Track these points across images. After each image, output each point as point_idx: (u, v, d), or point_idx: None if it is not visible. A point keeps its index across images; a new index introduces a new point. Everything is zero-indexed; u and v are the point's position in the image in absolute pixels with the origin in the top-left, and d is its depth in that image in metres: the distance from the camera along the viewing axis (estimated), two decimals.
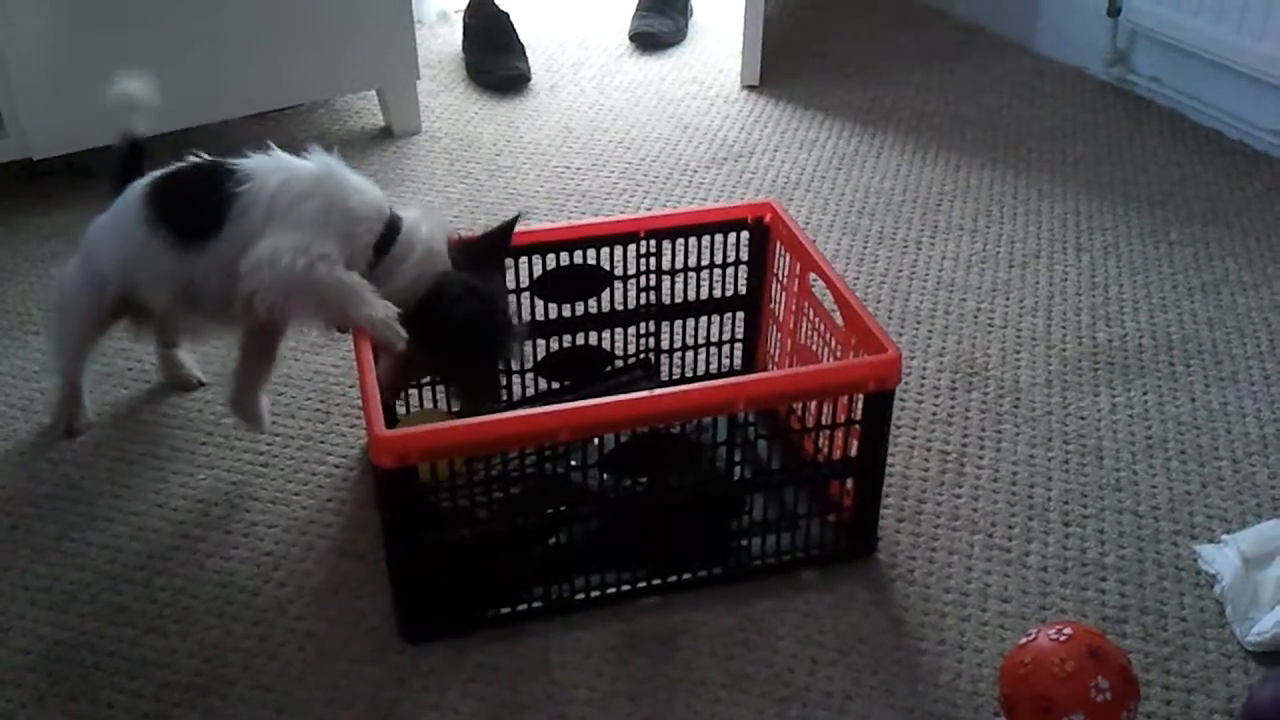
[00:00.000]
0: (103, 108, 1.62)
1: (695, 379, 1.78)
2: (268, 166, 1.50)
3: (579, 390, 1.72)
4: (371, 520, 1.57)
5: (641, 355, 1.76)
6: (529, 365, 1.72)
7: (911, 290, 2.05)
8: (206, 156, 1.56)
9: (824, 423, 1.43)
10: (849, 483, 1.47)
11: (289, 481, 1.65)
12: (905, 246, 2.17)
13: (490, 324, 1.51)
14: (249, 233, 1.46)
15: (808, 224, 2.23)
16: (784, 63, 2.78)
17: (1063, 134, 2.54)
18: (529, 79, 2.74)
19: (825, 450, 1.46)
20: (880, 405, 1.39)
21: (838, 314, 1.51)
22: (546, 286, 1.66)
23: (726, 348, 1.79)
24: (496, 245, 1.57)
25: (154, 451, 1.70)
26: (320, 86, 2.43)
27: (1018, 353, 1.91)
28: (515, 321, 1.56)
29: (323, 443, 1.72)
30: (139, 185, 1.56)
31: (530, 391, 1.75)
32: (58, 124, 2.14)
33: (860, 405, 1.41)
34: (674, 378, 1.78)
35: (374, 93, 2.56)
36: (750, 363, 1.79)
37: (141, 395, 1.81)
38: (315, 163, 1.52)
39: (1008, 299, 2.03)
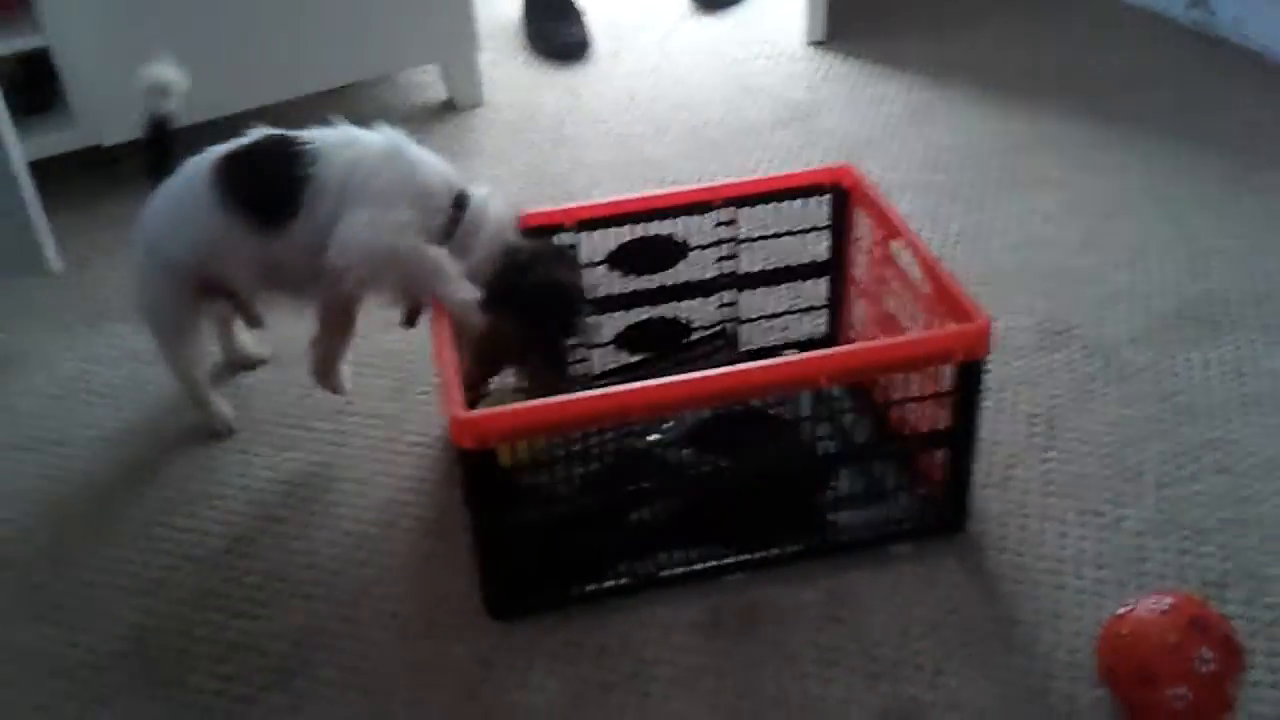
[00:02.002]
0: (139, 92, 1.59)
1: (776, 349, 1.75)
2: (336, 143, 1.49)
3: (658, 362, 1.70)
4: (453, 498, 1.56)
5: (721, 325, 1.73)
6: (607, 339, 1.69)
7: (992, 247, 2.00)
8: (270, 130, 1.54)
9: (912, 394, 1.39)
10: (939, 454, 1.43)
11: (369, 461, 1.65)
12: (983, 203, 2.11)
13: (561, 289, 1.50)
14: (327, 211, 1.45)
15: (880, 183, 2.15)
16: (849, 17, 2.72)
17: (1142, 80, 2.47)
18: (590, 45, 2.70)
19: (914, 422, 1.42)
20: (970, 375, 1.35)
21: (924, 281, 1.47)
22: (622, 259, 1.63)
23: (808, 315, 1.76)
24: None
25: (236, 434, 1.70)
26: (381, 62, 2.41)
27: (1105, 309, 1.85)
28: (586, 291, 1.54)
29: (401, 420, 1.71)
30: (203, 164, 1.52)
31: (610, 365, 1.72)
32: (126, 110, 2.12)
33: (950, 375, 1.37)
34: (755, 348, 1.75)
35: (435, 66, 2.53)
36: (833, 330, 1.75)
37: (220, 379, 1.81)
38: (383, 137, 1.50)
39: (1093, 254, 1.97)
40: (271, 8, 2.20)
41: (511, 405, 1.37)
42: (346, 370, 1.70)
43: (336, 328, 1.64)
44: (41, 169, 2.04)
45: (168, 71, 1.58)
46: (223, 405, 1.71)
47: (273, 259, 1.50)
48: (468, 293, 1.44)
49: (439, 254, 1.45)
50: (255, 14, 2.19)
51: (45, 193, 2.02)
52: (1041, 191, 2.13)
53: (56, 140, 2.11)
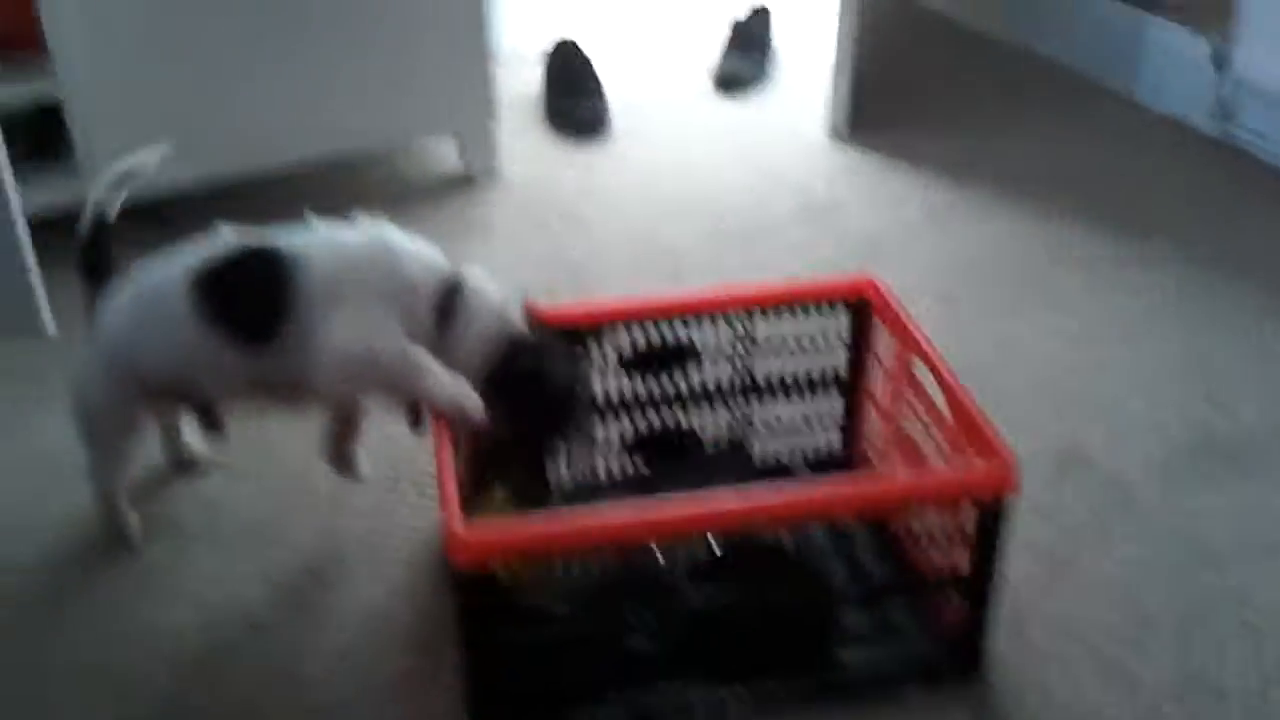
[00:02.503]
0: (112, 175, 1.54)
1: (789, 466, 1.69)
2: (317, 246, 1.44)
3: (668, 475, 1.64)
4: (442, 606, 1.49)
5: (733, 436, 1.67)
6: (616, 447, 1.64)
7: (1010, 364, 1.95)
8: (235, 233, 1.48)
9: (931, 531, 1.33)
10: (955, 596, 1.37)
11: (358, 561, 1.58)
12: (1002, 316, 2.07)
13: (555, 388, 1.44)
14: (310, 320, 1.40)
15: (898, 287, 2.11)
16: (872, 109, 2.68)
17: (1166, 193, 2.43)
18: (608, 122, 2.67)
19: (931, 560, 1.36)
20: (993, 516, 1.30)
21: (947, 408, 1.42)
22: (632, 361, 1.58)
23: (822, 430, 1.70)
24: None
25: (216, 524, 1.64)
26: (396, 131, 2.37)
27: (1123, 439, 1.80)
28: (586, 393, 1.50)
29: (392, 515, 1.65)
30: (173, 274, 1.45)
31: (616, 474, 1.66)
32: None
33: (971, 514, 1.31)
34: (767, 463, 1.69)
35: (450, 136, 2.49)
36: (848, 447, 1.69)
37: (165, 481, 1.73)
38: (363, 233, 1.46)
39: (1114, 379, 1.92)
40: (287, 69, 2.16)
41: (511, 522, 1.31)
42: (362, 455, 1.65)
43: (344, 419, 1.59)
44: (42, 223, 1.98)
45: (146, 159, 1.54)
46: (134, 520, 1.61)
47: (258, 372, 1.44)
48: (455, 388, 1.38)
49: (418, 352, 1.39)
50: (269, 75, 2.15)
51: (43, 248, 1.96)
52: (1061, 306, 2.09)
53: (61, 193, 2.05)
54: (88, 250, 1.53)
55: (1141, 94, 2.75)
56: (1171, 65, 2.68)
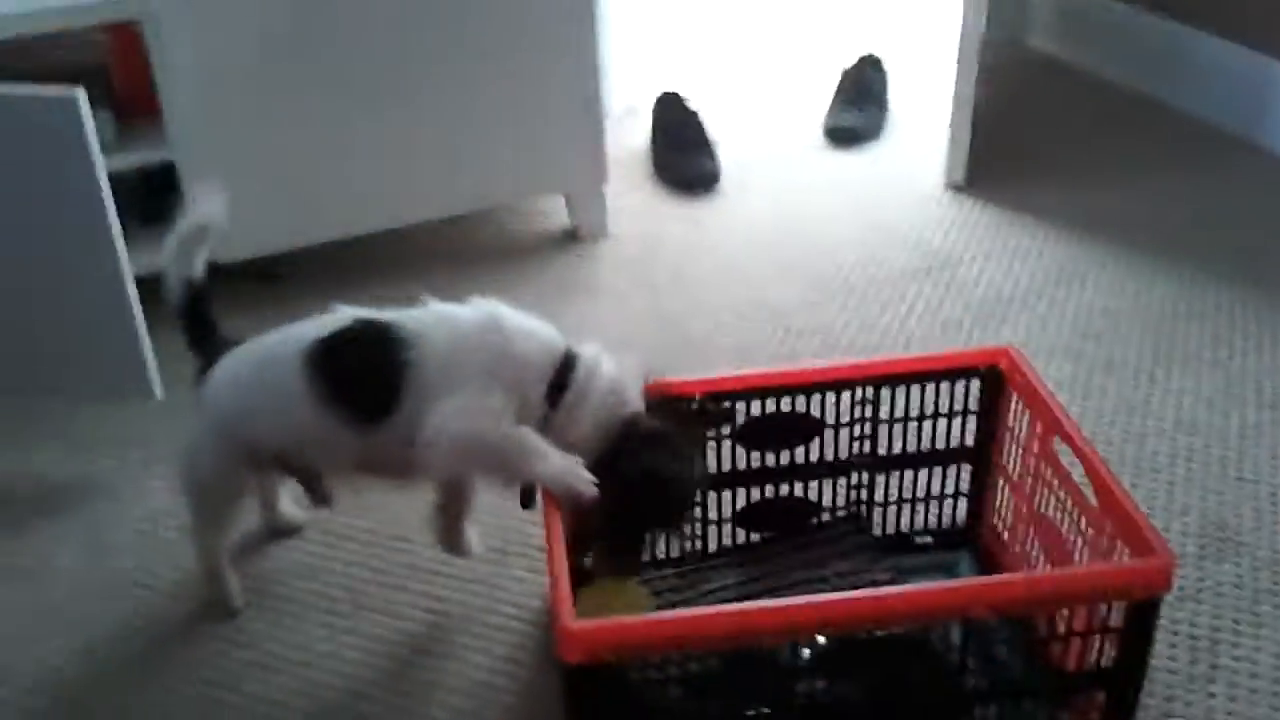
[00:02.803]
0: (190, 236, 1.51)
1: (910, 535, 1.61)
2: (431, 324, 1.40)
3: (780, 544, 1.57)
4: (548, 685, 1.43)
5: (852, 507, 1.59)
6: (726, 515, 1.57)
7: (1147, 431, 1.84)
8: (352, 311, 1.45)
9: (1075, 627, 1.24)
10: (1096, 694, 1.27)
11: (462, 634, 1.53)
12: (1136, 378, 1.96)
13: (661, 483, 1.37)
14: (423, 399, 1.36)
15: (1026, 347, 2.02)
16: (990, 161, 2.59)
17: None
18: (718, 178, 2.61)
19: (1070, 655, 1.27)
20: (1145, 614, 1.20)
21: (1087, 486, 1.33)
22: (751, 433, 1.51)
23: (949, 502, 1.61)
24: (700, 413, 1.47)
25: (323, 591, 1.60)
26: (506, 190, 2.34)
27: (1274, 515, 1.68)
28: (700, 482, 1.44)
29: (499, 586, 1.60)
30: (287, 347, 1.43)
31: (726, 542, 1.59)
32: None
33: (1120, 612, 1.21)
34: (887, 532, 1.61)
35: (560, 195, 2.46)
36: (975, 520, 1.61)
37: (308, 532, 1.71)
38: (477, 311, 1.42)
39: (1259, 447, 1.80)
40: (398, 130, 2.14)
41: (626, 616, 1.24)
42: (473, 533, 1.60)
43: (454, 496, 1.54)
44: (151, 285, 1.98)
45: (207, 209, 1.51)
46: (235, 584, 1.58)
47: (369, 450, 1.41)
48: (565, 470, 1.32)
49: (527, 434, 1.34)
50: (380, 136, 2.13)
51: (153, 310, 1.95)
52: (1199, 370, 1.97)
53: None
54: (188, 315, 1.52)
55: (1270, 141, 2.62)
56: None
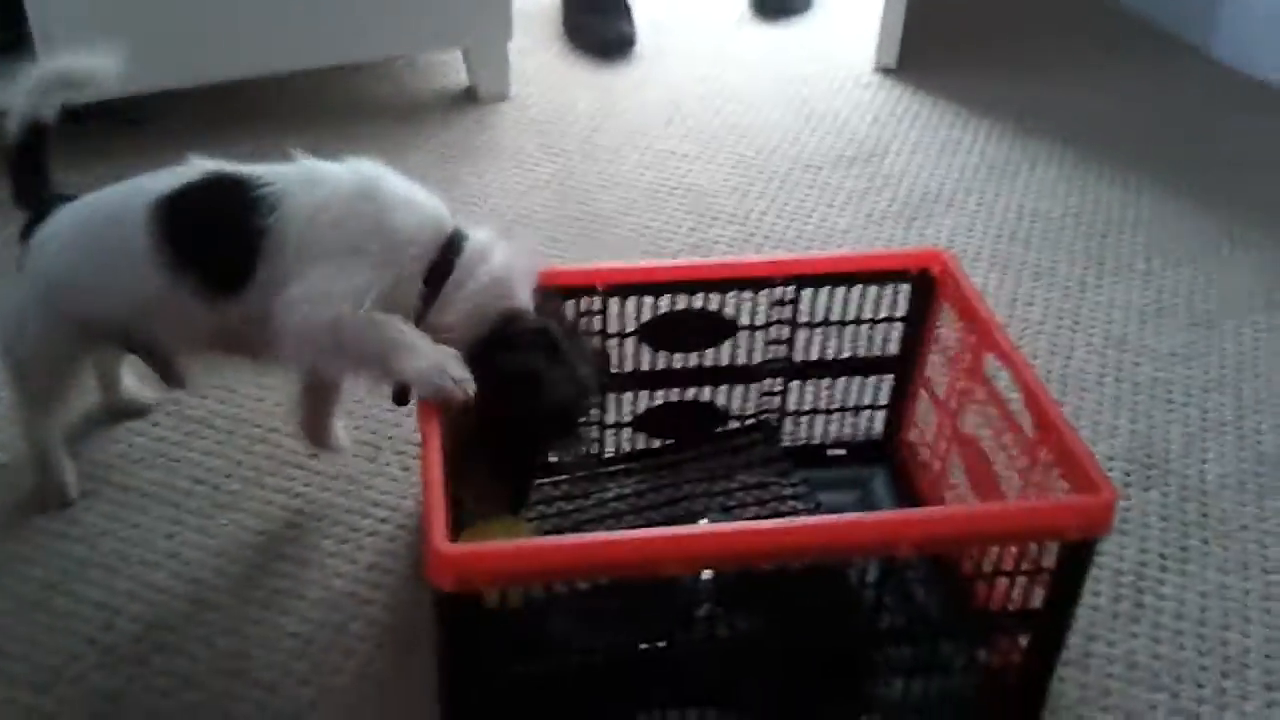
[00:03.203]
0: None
1: (822, 447, 1.48)
2: (298, 183, 1.21)
3: (683, 451, 1.44)
4: (418, 600, 1.29)
5: (762, 416, 1.46)
6: (626, 418, 1.42)
7: (1075, 345, 1.73)
8: (210, 163, 1.25)
9: (1002, 567, 1.12)
10: (1020, 638, 1.17)
11: (325, 536, 1.37)
12: (1067, 287, 1.84)
13: (547, 393, 1.18)
14: (280, 272, 1.18)
15: (951, 246, 1.90)
16: (924, 44, 2.43)
17: (1249, 161, 2.19)
18: (634, 43, 2.41)
19: (991, 593, 1.15)
20: (1080, 555, 1.09)
21: (1020, 408, 1.20)
22: (656, 333, 1.36)
23: (865, 415, 1.48)
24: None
25: (170, 482, 1.43)
26: (401, 41, 2.11)
27: (1203, 441, 1.58)
28: (588, 390, 1.24)
29: (369, 488, 1.44)
30: (133, 203, 1.24)
31: (626, 447, 1.45)
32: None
33: (1052, 551, 1.10)
34: (797, 442, 1.48)
35: (458, 50, 2.24)
36: (892, 435, 1.48)
37: (158, 414, 1.52)
38: (352, 175, 1.22)
39: (1189, 367, 1.70)
40: None
41: (504, 538, 1.10)
42: (340, 427, 1.44)
43: (320, 386, 1.37)
44: None
45: (93, 63, 1.30)
46: (70, 471, 1.41)
47: (221, 325, 1.22)
48: (436, 367, 1.14)
49: (391, 324, 1.16)
50: None
51: None
52: (1132, 283, 1.86)
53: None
54: (20, 158, 1.31)
55: (1219, 51, 2.50)
56: (1250, 19, 2.42)
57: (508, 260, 1.22)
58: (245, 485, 1.43)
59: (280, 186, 1.20)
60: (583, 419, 1.26)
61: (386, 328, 1.16)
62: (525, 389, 1.17)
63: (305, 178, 1.22)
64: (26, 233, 1.30)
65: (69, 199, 1.31)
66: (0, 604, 1.27)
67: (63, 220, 1.29)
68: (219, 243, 1.22)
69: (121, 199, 1.26)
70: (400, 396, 1.26)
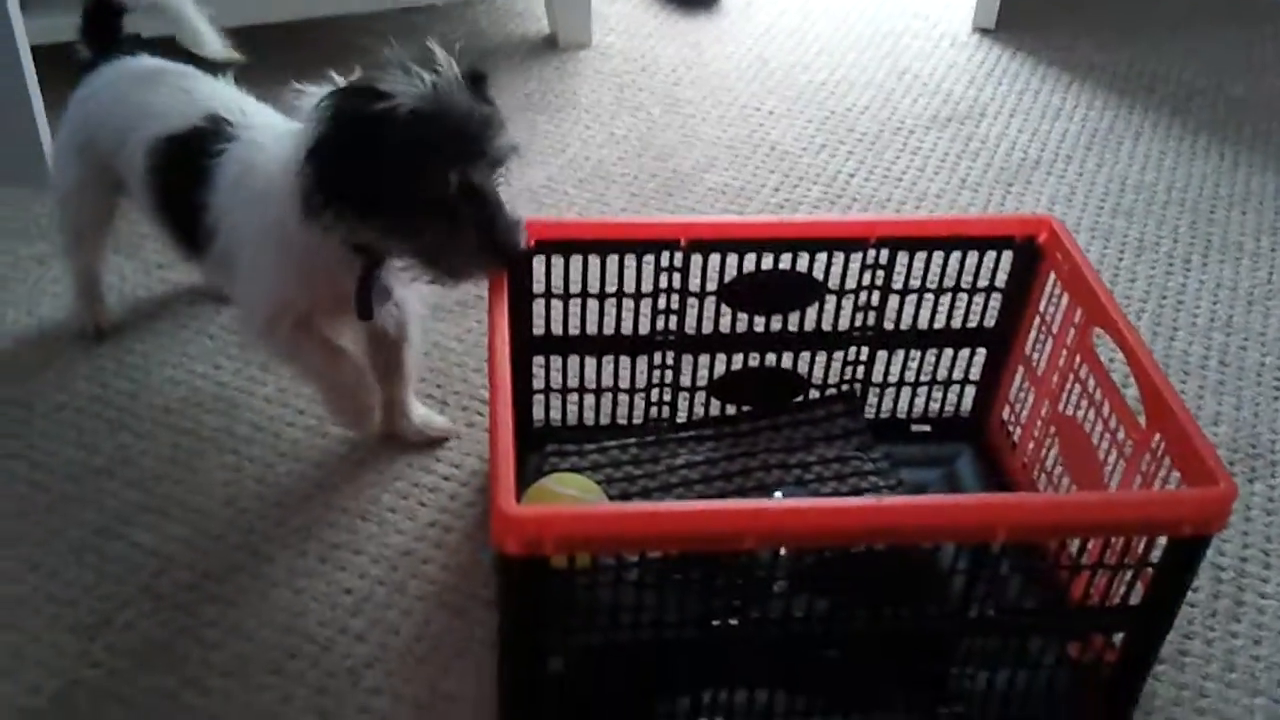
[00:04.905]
0: None
1: (908, 421, 1.41)
2: (240, 153, 1.17)
3: (759, 420, 1.37)
4: (478, 561, 1.24)
5: (845, 385, 1.38)
6: (702, 382, 1.36)
7: (1178, 326, 1.63)
8: (207, 104, 1.22)
9: (1102, 558, 1.04)
10: (1117, 636, 1.09)
11: (385, 491, 1.32)
12: (1170, 264, 1.74)
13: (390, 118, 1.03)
14: (225, 255, 1.19)
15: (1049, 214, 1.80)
16: (1025, 4, 2.32)
17: None
18: None
19: (1089, 586, 1.07)
20: (1191, 552, 1.01)
21: (1131, 386, 1.12)
22: (738, 291, 1.28)
23: (954, 389, 1.40)
24: None
25: (231, 429, 1.38)
26: None
27: None
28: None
29: (432, 441, 1.39)
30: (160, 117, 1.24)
31: (699, 412, 1.39)
32: None
33: (1160, 545, 1.02)
34: (880, 416, 1.40)
35: None
36: (981, 412, 1.40)
37: (226, 354, 1.48)
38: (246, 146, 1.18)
39: None
40: None
41: (576, 503, 1.04)
42: (419, 410, 1.38)
43: (374, 366, 1.32)
44: (51, 55, 1.70)
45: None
46: (103, 304, 1.47)
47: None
48: (342, 402, 1.25)
49: (312, 352, 1.21)
50: None
51: (52, 89, 1.68)
52: (1240, 262, 1.76)
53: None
54: (92, 16, 1.35)
55: None
56: None
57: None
58: (306, 435, 1.38)
59: (228, 153, 1.17)
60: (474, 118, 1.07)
61: (302, 358, 1.21)
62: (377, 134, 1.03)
63: (250, 142, 1.17)
64: (85, 70, 1.34)
65: (134, 46, 1.33)
66: (52, 547, 1.24)
67: (107, 78, 1.32)
68: (178, 211, 1.22)
69: (162, 84, 1.28)
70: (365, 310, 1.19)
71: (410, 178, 1.03)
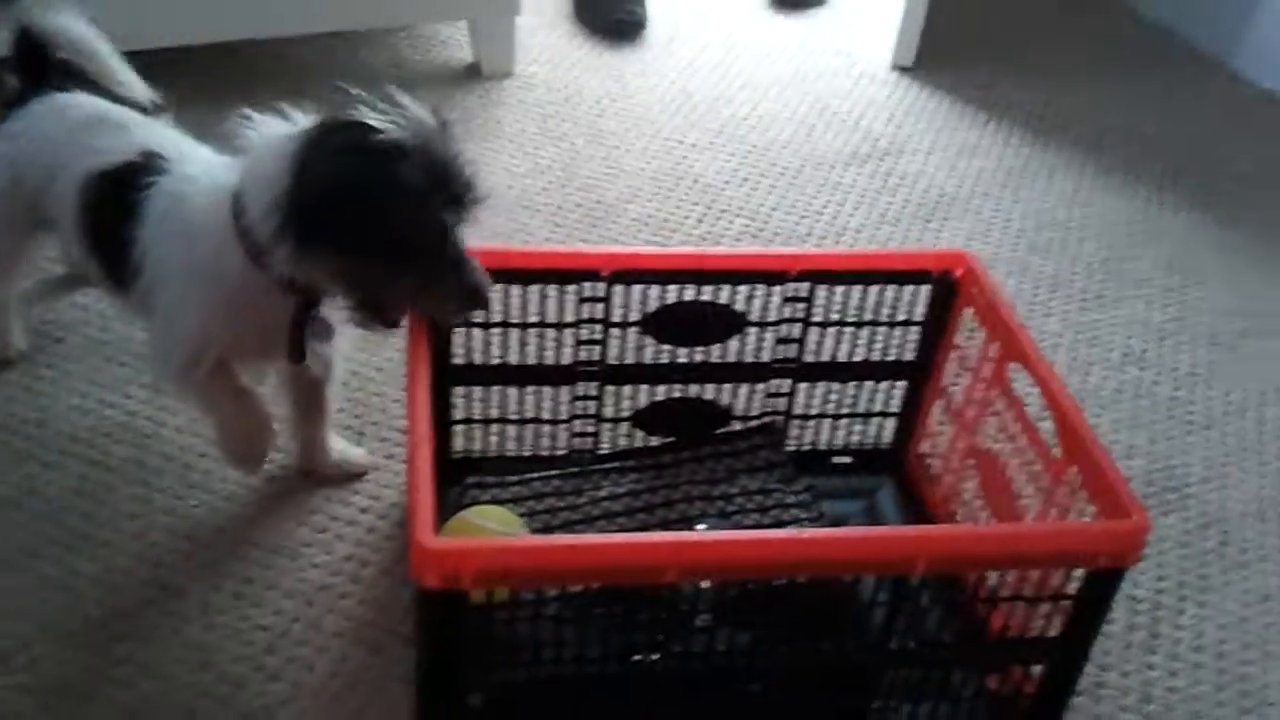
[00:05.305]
0: None
1: (829, 453, 1.41)
2: (167, 194, 1.14)
3: (682, 451, 1.37)
4: (396, 596, 1.22)
5: (767, 417, 1.39)
6: (625, 413, 1.35)
7: (1092, 361, 1.66)
8: (143, 140, 1.20)
9: (1017, 589, 1.05)
10: (1035, 668, 1.10)
11: (301, 525, 1.30)
12: (1084, 300, 1.77)
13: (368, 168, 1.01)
14: (147, 292, 1.16)
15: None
16: (943, 43, 2.36)
17: (1272, 178, 2.12)
18: (645, 26, 2.34)
19: (1009, 620, 1.08)
20: (1106, 583, 1.02)
21: (1047, 420, 1.13)
22: (660, 322, 1.28)
23: (875, 421, 1.41)
24: None
25: (141, 459, 1.35)
26: (405, 9, 2.03)
27: (1224, 466, 1.52)
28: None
29: (350, 478, 1.36)
30: (90, 158, 1.21)
31: (622, 443, 1.38)
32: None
33: (1075, 574, 1.03)
34: (801, 448, 1.41)
35: (464, 22, 2.17)
36: (901, 444, 1.41)
37: (136, 382, 1.45)
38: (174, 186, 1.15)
39: (1212, 388, 1.64)
40: None
41: (502, 540, 1.02)
42: (339, 444, 1.36)
43: (294, 402, 1.30)
44: None
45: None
46: (19, 333, 1.44)
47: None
48: (234, 445, 1.21)
49: (210, 392, 1.17)
50: None
51: None
52: (1152, 299, 1.80)
53: None
54: (23, 36, 1.30)
55: (1246, 68, 2.43)
56: (1273, 36, 2.36)
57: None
58: (219, 466, 1.34)
59: (156, 191, 1.14)
60: (455, 168, 1.04)
61: (211, 399, 1.18)
62: (364, 193, 1.00)
63: (175, 185, 1.14)
64: (13, 104, 1.29)
65: (64, 78, 1.29)
66: None
67: (37, 114, 1.28)
68: (107, 247, 1.19)
69: (96, 123, 1.24)
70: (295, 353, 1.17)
71: (412, 219, 1.01)
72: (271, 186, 1.02)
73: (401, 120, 1.01)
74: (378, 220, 1.00)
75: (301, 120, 1.06)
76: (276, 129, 1.06)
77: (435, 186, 1.02)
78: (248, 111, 1.08)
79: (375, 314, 1.08)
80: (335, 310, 1.12)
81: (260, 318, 1.12)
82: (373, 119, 1.00)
